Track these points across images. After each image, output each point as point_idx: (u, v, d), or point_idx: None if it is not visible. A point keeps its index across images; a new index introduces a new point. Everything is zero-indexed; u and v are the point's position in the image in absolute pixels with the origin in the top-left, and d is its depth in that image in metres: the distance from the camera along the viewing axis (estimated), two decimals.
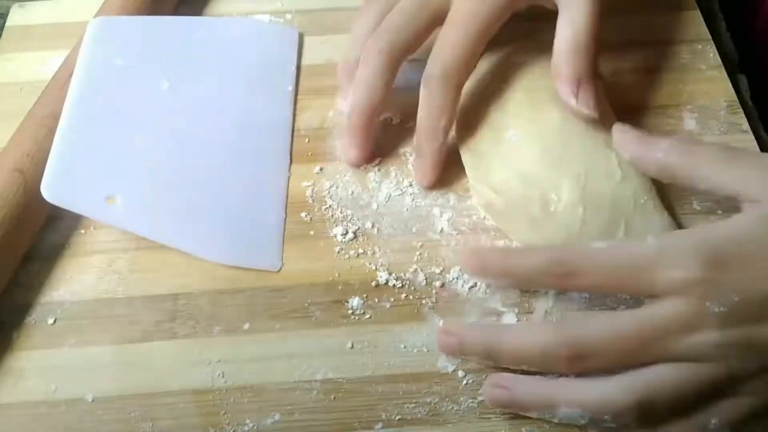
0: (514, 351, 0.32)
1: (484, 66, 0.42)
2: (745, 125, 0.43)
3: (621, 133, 0.36)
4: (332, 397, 0.34)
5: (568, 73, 0.36)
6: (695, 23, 0.48)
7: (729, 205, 0.40)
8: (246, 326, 0.37)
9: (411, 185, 0.41)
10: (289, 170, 0.42)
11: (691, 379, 0.29)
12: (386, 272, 0.38)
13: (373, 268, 0.38)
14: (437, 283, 0.38)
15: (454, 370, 0.35)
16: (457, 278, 0.38)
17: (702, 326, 0.29)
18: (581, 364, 0.30)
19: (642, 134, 0.36)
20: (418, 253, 0.39)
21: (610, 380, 0.30)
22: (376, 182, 0.42)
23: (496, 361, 0.33)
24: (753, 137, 0.42)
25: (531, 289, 0.36)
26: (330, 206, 0.41)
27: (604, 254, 0.31)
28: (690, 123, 0.43)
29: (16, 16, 0.51)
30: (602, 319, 0.32)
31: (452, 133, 0.41)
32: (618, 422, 0.30)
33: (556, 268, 0.31)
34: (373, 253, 0.39)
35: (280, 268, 0.39)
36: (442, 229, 0.40)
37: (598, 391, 0.30)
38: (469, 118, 0.41)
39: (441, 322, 0.36)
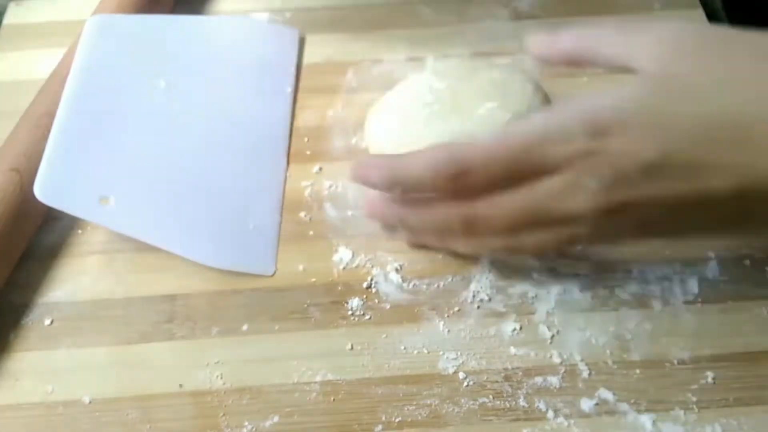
0: (412, 173, 0.33)
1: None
2: None
3: (533, 38, 0.36)
4: (331, 399, 0.34)
5: None
6: (698, 21, 0.47)
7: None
8: (245, 327, 0.36)
9: None
10: (286, 172, 0.42)
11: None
12: (386, 273, 0.38)
13: (373, 268, 0.38)
14: (437, 284, 0.37)
15: (454, 372, 0.35)
16: (458, 279, 0.37)
17: (574, 198, 0.30)
18: (463, 181, 0.31)
19: (550, 34, 0.35)
20: (418, 253, 0.38)
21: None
22: None
23: (399, 184, 0.34)
24: None
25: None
26: (329, 206, 0.40)
27: (493, 143, 0.31)
28: None
29: (13, 15, 0.50)
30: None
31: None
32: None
33: (447, 167, 0.31)
34: (374, 253, 0.39)
35: (274, 273, 0.38)
36: None
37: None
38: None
39: (441, 325, 0.36)
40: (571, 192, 0.30)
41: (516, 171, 0.31)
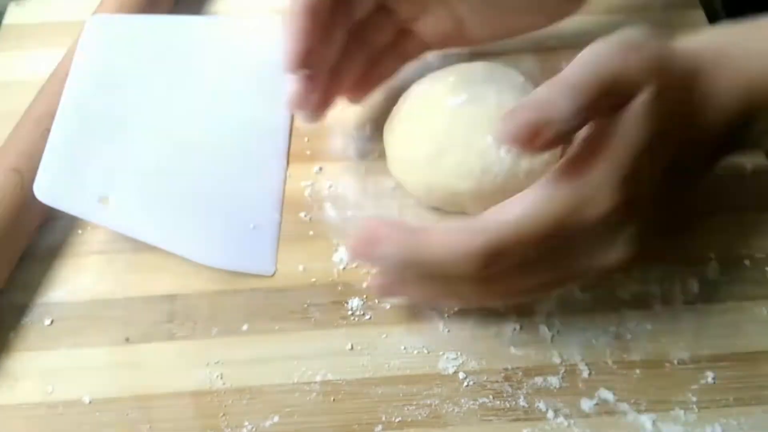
0: (434, 256, 0.29)
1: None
2: None
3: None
4: (332, 398, 0.34)
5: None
6: (698, 22, 0.47)
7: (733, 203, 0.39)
8: (245, 327, 0.36)
9: None
10: (286, 173, 0.42)
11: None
12: None
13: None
14: None
15: (454, 372, 0.35)
16: None
17: (607, 254, 0.30)
18: (494, 265, 0.29)
19: None
20: None
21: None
22: (376, 182, 0.41)
23: (416, 265, 0.30)
24: None
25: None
26: (329, 206, 0.40)
27: (525, 222, 0.29)
28: None
29: (13, 15, 0.50)
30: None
31: None
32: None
33: (478, 255, 0.28)
34: None
35: (274, 273, 0.38)
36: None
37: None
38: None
39: (441, 325, 0.36)
40: (603, 249, 0.30)
41: (550, 245, 0.29)
